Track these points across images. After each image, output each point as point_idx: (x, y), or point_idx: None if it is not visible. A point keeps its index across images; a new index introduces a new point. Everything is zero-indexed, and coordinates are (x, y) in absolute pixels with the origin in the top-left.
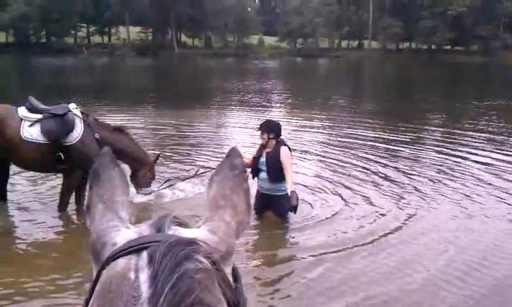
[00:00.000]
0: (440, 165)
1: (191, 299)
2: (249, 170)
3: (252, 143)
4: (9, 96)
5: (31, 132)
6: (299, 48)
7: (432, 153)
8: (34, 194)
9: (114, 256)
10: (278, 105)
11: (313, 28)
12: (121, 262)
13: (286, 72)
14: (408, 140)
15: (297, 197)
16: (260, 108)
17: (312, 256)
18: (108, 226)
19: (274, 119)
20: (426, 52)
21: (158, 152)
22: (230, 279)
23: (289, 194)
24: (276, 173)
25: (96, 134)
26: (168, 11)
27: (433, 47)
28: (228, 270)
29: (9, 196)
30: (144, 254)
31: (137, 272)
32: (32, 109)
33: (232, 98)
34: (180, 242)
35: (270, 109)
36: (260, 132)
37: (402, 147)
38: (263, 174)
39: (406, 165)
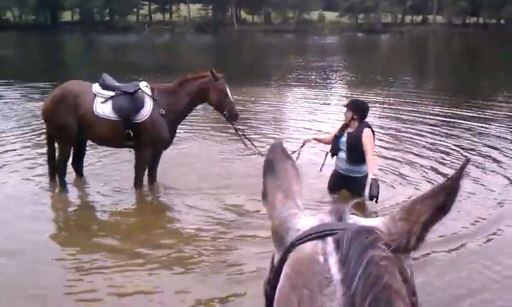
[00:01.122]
0: None
1: (382, 283)
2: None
3: (313, 120)
4: (76, 73)
5: (104, 109)
6: (360, 23)
7: (504, 131)
8: (111, 168)
9: (300, 241)
10: (339, 82)
11: (376, 2)
12: (308, 246)
13: (347, 48)
14: (476, 117)
15: (378, 186)
16: (321, 85)
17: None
18: (290, 213)
19: (363, 99)
20: (494, 27)
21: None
22: (408, 270)
23: (370, 180)
24: (356, 154)
25: (161, 110)
26: None
27: (502, 21)
28: (406, 262)
29: (88, 170)
30: (330, 239)
31: (326, 255)
32: (105, 86)
33: (292, 75)
34: (363, 230)
35: (331, 86)
36: (346, 108)
37: (470, 123)
38: (342, 154)
39: (481, 143)
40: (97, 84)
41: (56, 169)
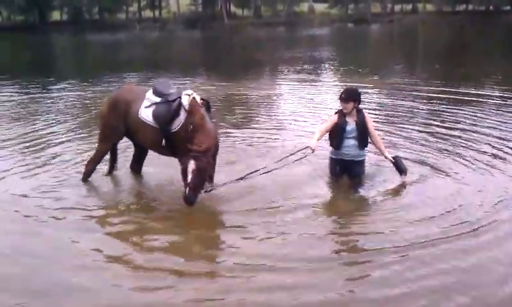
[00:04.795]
0: None
1: None
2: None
3: (308, 112)
4: (67, 71)
5: (148, 114)
6: (350, 14)
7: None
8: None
9: None
10: (330, 73)
11: None
12: None
13: (337, 39)
14: (466, 104)
15: (401, 160)
16: (312, 77)
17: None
18: None
19: (353, 87)
20: (484, 14)
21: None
22: None
23: (390, 159)
24: (365, 139)
25: (190, 125)
26: None
27: (491, 8)
28: None
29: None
30: None
31: None
32: (156, 92)
33: (282, 68)
34: None
35: (322, 78)
36: (343, 101)
37: (462, 111)
38: (351, 142)
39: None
40: (151, 90)
41: (87, 167)
